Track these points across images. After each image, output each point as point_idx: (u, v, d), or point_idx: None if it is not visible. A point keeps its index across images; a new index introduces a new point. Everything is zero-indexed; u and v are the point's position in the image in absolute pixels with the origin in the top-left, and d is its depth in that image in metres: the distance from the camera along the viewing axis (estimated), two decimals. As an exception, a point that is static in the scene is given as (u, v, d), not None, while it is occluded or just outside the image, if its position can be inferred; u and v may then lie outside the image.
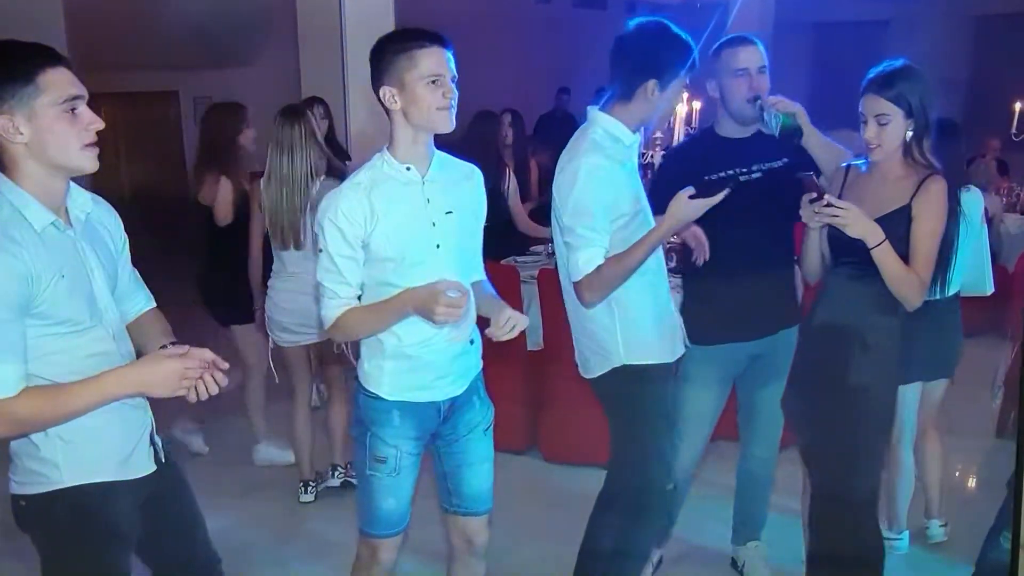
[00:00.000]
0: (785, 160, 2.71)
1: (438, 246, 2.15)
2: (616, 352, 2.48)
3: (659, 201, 2.44)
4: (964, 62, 11.64)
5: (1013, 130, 6.88)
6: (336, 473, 3.91)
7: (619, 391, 2.53)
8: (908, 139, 2.35)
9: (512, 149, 5.03)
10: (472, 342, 2.29)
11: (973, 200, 3.19)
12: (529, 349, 4.02)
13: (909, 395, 3.20)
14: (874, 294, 2.41)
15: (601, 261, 2.32)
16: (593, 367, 2.55)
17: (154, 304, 2.05)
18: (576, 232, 2.34)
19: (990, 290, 3.36)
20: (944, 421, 3.45)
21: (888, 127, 2.34)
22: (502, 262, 3.91)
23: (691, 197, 2.29)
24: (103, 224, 1.90)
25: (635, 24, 2.45)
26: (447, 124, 2.10)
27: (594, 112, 2.46)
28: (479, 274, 2.35)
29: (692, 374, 2.74)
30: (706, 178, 2.42)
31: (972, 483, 4.14)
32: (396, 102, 2.07)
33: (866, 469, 2.53)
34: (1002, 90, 8.09)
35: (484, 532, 2.42)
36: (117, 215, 1.96)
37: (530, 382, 4.12)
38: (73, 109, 1.69)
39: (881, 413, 2.55)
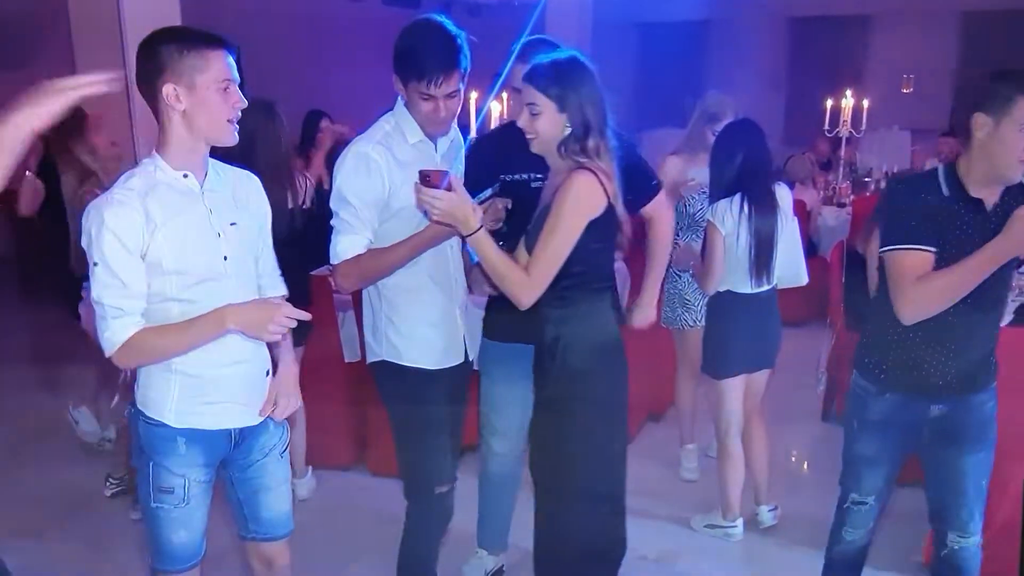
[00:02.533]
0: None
1: (225, 258, 2.11)
2: (379, 346, 2.60)
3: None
4: (783, 61, 12.63)
5: (826, 126, 7.52)
6: (108, 483, 3.97)
7: (383, 385, 2.65)
8: (565, 135, 2.31)
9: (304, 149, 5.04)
10: (268, 373, 2.27)
11: (782, 195, 3.41)
12: (347, 361, 4.01)
13: (734, 387, 3.46)
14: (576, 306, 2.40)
15: (361, 250, 2.39)
16: (368, 354, 2.67)
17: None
18: (339, 216, 2.42)
19: (805, 281, 3.57)
20: (772, 408, 3.74)
21: (539, 119, 2.31)
22: (314, 272, 3.88)
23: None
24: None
25: (420, 17, 2.47)
26: (232, 137, 2.07)
27: (399, 101, 2.50)
28: (276, 289, 2.32)
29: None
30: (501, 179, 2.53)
31: (801, 467, 4.45)
32: (180, 103, 1.99)
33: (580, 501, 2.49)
34: (818, 88, 8.83)
35: (285, 554, 2.43)
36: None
37: (354, 395, 4.10)
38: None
39: (593, 438, 2.45)
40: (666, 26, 12.38)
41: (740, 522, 3.61)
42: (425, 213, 2.25)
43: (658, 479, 4.15)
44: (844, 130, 7.20)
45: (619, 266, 4.55)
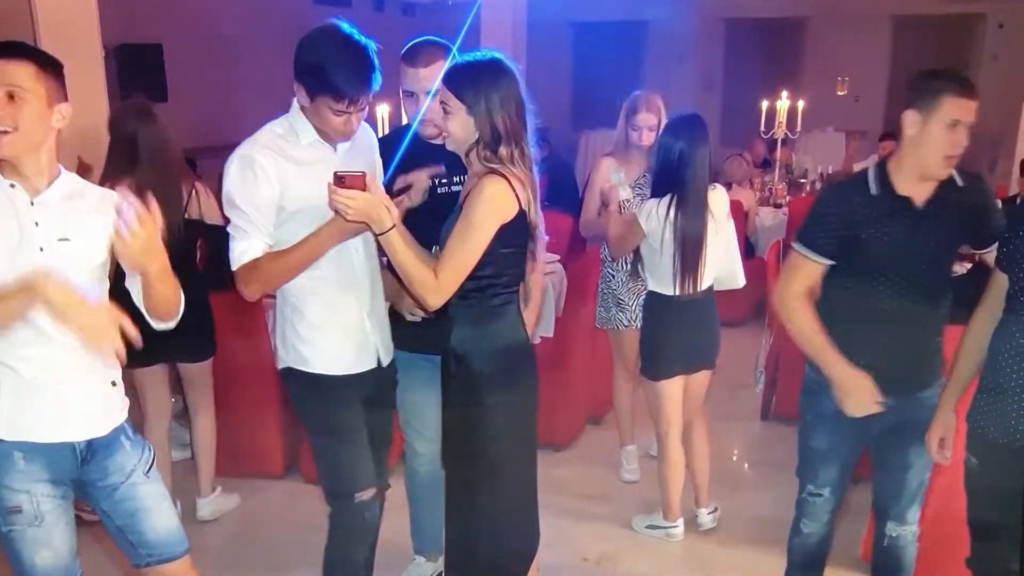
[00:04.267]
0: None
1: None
2: (286, 352, 2.57)
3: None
4: (719, 63, 12.93)
5: (762, 128, 7.74)
6: None
7: (293, 393, 2.64)
8: (475, 139, 2.32)
9: None
10: (114, 384, 2.25)
11: (717, 198, 3.46)
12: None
13: (672, 388, 3.52)
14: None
15: (258, 254, 2.37)
16: (278, 360, 2.64)
17: None
18: (232, 223, 2.40)
19: (742, 283, 3.65)
20: (712, 408, 3.85)
21: (450, 119, 2.33)
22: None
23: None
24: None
25: (325, 23, 2.42)
26: (7, 149, 2.05)
27: (294, 102, 2.47)
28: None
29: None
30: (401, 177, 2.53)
31: (741, 466, 4.56)
32: (63, 119, 2.11)
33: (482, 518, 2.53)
34: (754, 90, 9.07)
35: (191, 572, 2.38)
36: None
37: (284, 402, 4.08)
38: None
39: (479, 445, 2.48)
40: (603, 25, 12.57)
41: (681, 522, 3.70)
42: (338, 213, 2.25)
43: (599, 481, 4.24)
44: (780, 131, 7.42)
45: (557, 267, 4.65)
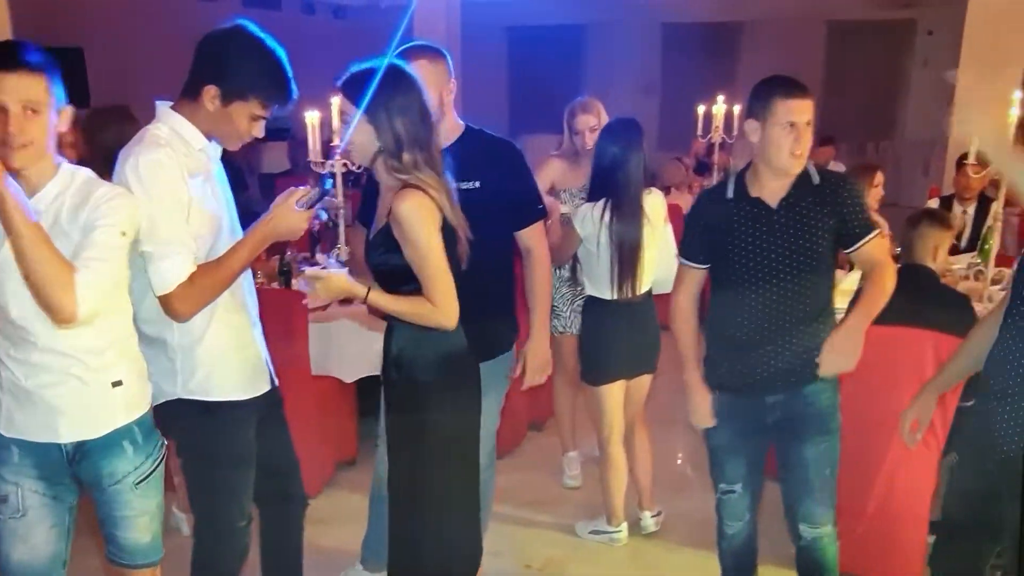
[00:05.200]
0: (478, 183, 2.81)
1: None
2: (172, 384, 2.41)
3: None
4: (657, 67, 13.14)
5: (699, 132, 7.88)
6: None
7: (179, 427, 2.47)
8: (377, 148, 2.34)
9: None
10: (118, 383, 2.23)
11: (654, 202, 3.53)
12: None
13: (613, 393, 3.58)
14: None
15: (192, 268, 2.25)
16: (153, 395, 2.42)
17: None
18: (152, 239, 2.21)
19: None
20: (653, 411, 3.91)
21: (350, 129, 2.34)
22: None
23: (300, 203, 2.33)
24: None
25: (232, 24, 2.36)
26: None
27: (162, 107, 2.37)
28: None
29: None
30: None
31: (684, 469, 4.61)
32: (67, 121, 2.12)
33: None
34: (691, 94, 9.23)
35: None
36: None
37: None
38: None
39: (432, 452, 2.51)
40: (539, 30, 12.68)
41: (624, 527, 3.75)
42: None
43: (541, 487, 4.28)
44: (717, 135, 7.56)
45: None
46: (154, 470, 2.33)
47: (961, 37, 7.34)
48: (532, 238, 2.99)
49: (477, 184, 2.78)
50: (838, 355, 2.57)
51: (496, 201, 2.78)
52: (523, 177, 3.00)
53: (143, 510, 2.32)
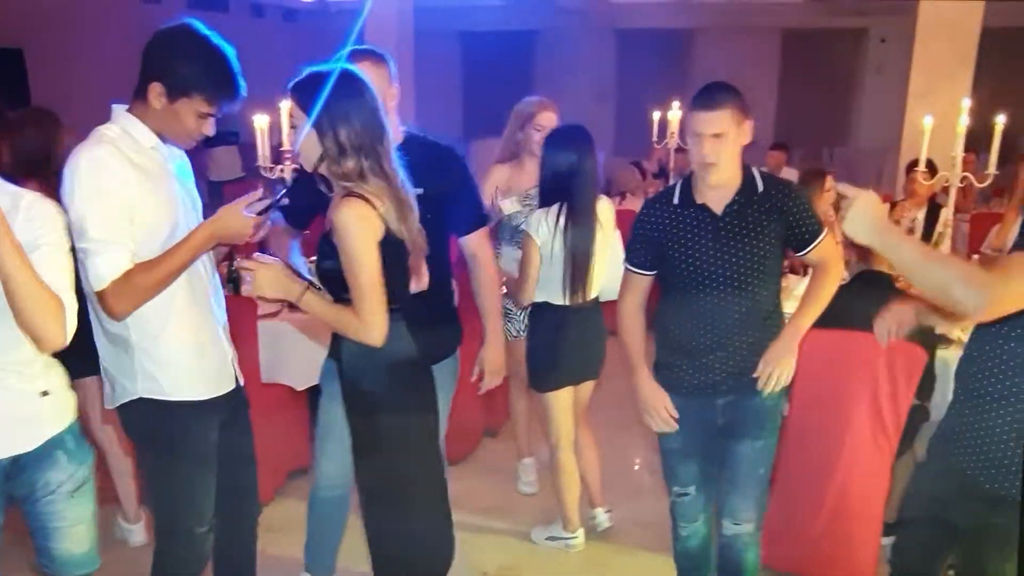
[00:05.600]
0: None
1: None
2: (132, 382, 2.41)
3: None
4: (611, 72, 13.24)
5: (654, 137, 7.95)
6: None
7: (140, 427, 2.48)
8: (320, 153, 2.31)
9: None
10: (47, 393, 2.21)
11: (604, 208, 3.53)
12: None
13: (562, 399, 3.57)
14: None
15: (129, 265, 2.24)
16: (116, 395, 2.47)
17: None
18: (89, 235, 2.20)
19: None
20: (606, 416, 3.95)
21: (297, 133, 2.32)
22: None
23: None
24: None
25: (179, 22, 2.36)
26: None
27: (117, 109, 2.38)
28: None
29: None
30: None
31: (637, 473, 4.63)
32: None
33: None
34: (647, 99, 9.31)
35: None
36: None
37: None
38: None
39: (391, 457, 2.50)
40: (491, 35, 12.72)
41: (581, 533, 3.75)
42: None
43: (497, 494, 4.27)
44: (672, 141, 7.62)
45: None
46: (88, 477, 2.31)
47: (912, 45, 7.51)
48: (476, 244, 3.04)
49: (420, 191, 2.78)
50: (774, 368, 2.68)
51: (439, 207, 2.78)
52: (465, 183, 3.01)
53: (78, 519, 2.30)
